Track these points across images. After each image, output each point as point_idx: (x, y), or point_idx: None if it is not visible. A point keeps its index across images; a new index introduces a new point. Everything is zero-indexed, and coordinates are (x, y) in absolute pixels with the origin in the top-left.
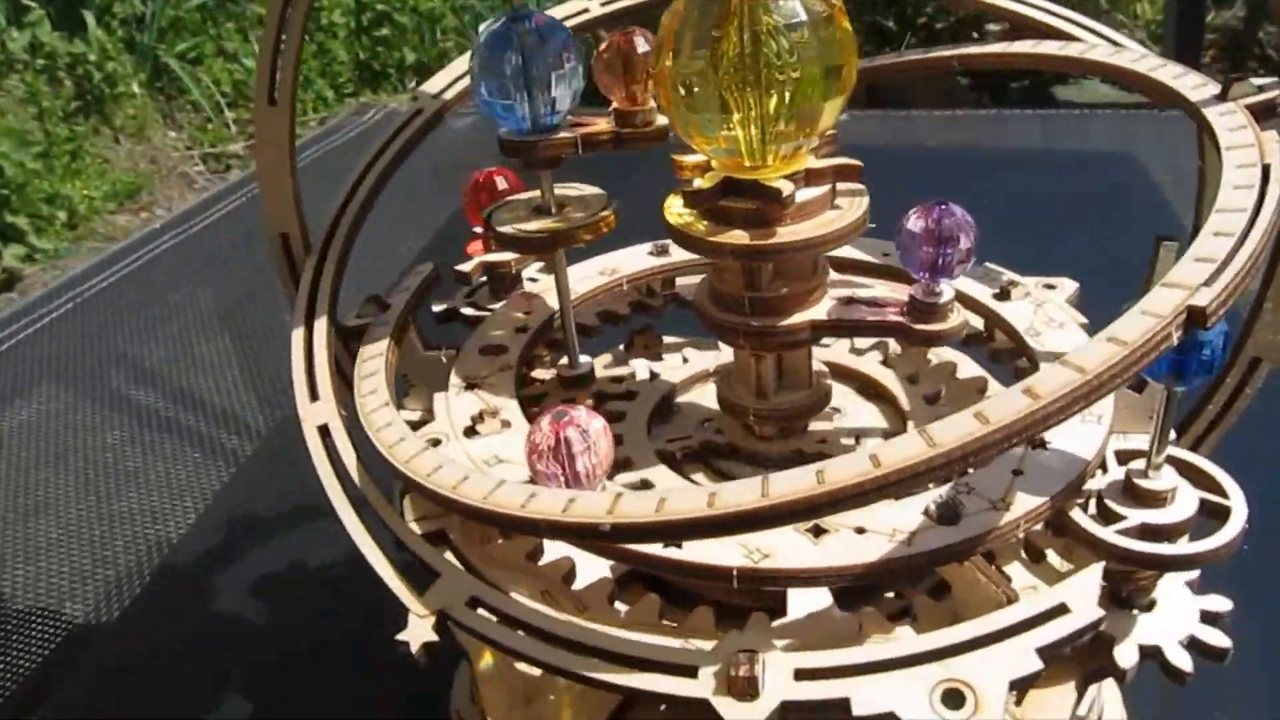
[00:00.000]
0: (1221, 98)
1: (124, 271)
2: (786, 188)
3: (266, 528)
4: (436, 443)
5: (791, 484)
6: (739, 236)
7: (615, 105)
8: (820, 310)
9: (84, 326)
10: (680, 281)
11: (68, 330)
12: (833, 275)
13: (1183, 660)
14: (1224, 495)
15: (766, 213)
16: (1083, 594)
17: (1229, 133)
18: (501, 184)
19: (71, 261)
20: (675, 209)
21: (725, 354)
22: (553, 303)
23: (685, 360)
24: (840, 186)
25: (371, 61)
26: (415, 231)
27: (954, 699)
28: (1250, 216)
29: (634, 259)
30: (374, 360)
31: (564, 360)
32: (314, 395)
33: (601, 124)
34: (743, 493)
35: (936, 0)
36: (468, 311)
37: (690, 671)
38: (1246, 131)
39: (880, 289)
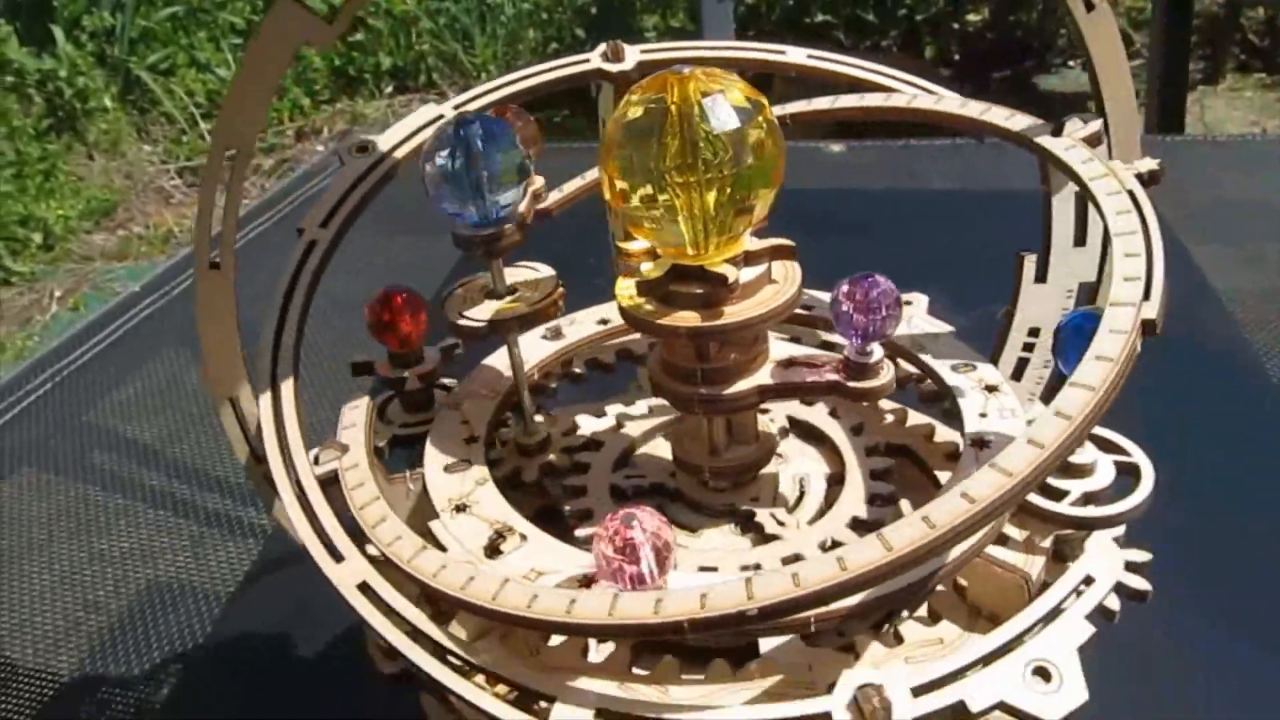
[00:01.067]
0: (1057, 133)
1: (105, 342)
2: (731, 273)
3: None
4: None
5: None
6: (690, 318)
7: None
8: (764, 375)
9: (64, 408)
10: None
11: (46, 412)
12: (771, 336)
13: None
14: (1131, 457)
15: (713, 295)
16: (1101, 564)
17: (1083, 165)
18: (396, 302)
19: (50, 284)
20: (626, 292)
21: None
22: (502, 373)
23: (650, 411)
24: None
25: (347, 67)
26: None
27: (1043, 675)
28: (1144, 234)
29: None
30: (373, 505)
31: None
32: (337, 557)
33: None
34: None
35: None
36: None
37: (825, 718)
38: (1096, 164)
39: (814, 350)
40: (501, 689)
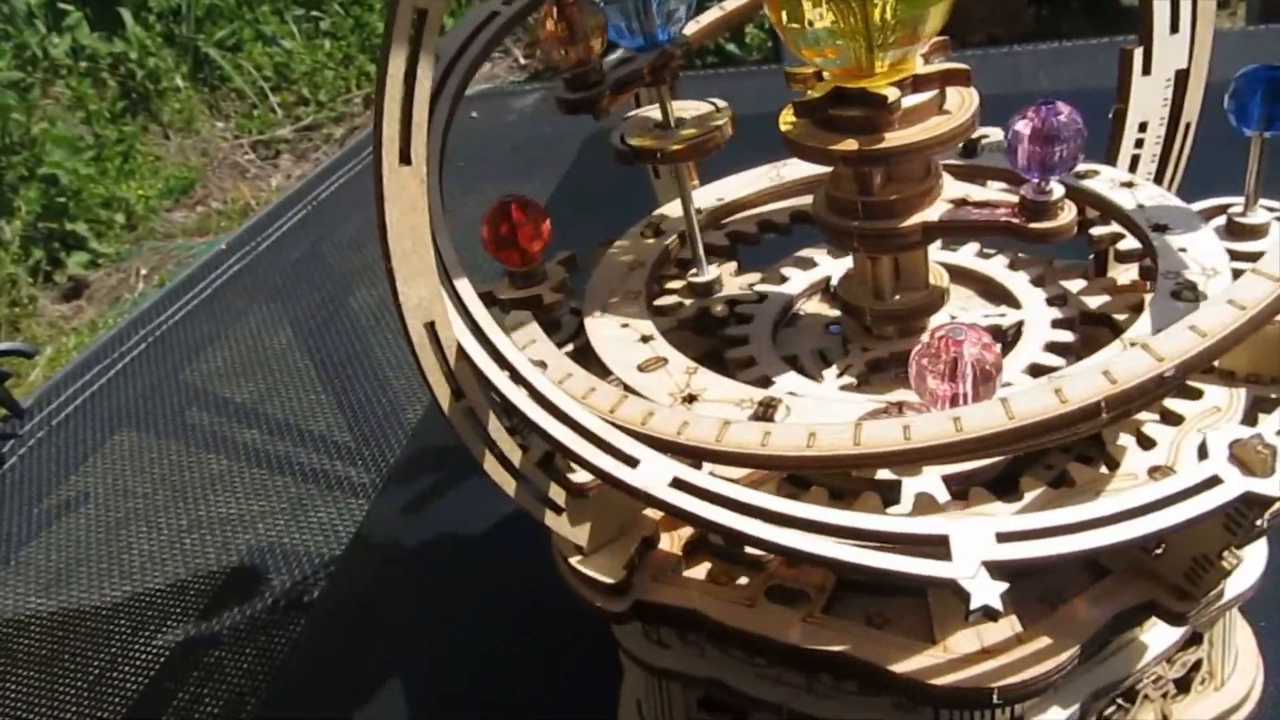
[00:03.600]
0: None
1: (193, 303)
2: (892, 94)
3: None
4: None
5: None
6: (849, 143)
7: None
8: (933, 212)
9: (160, 367)
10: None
11: (143, 371)
12: (949, 180)
13: None
14: None
15: (875, 119)
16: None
17: None
18: (516, 214)
19: (135, 263)
20: (788, 119)
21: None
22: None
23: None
24: (951, 91)
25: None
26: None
27: None
28: None
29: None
30: (625, 405)
31: (693, 271)
32: (631, 463)
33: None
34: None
35: None
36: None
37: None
38: None
39: (994, 192)
40: None
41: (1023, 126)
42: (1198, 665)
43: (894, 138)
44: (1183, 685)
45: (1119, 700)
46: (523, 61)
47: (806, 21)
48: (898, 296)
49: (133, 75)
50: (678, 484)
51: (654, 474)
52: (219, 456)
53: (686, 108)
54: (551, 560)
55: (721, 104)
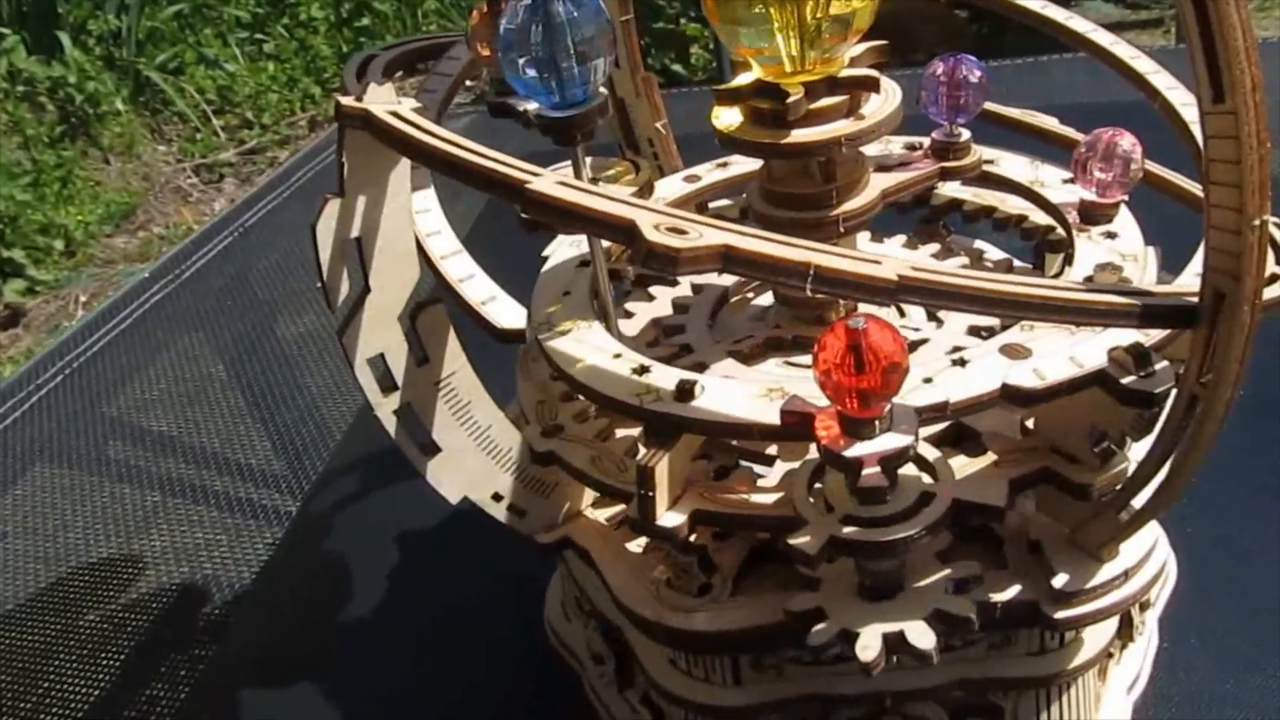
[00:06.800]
0: None
1: (117, 330)
2: (875, 74)
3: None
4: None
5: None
6: (843, 128)
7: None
8: (879, 182)
9: (79, 399)
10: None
11: (62, 403)
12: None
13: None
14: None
15: (855, 103)
16: None
17: None
18: None
19: (74, 290)
20: (729, 121)
21: None
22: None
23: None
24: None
25: (355, 53)
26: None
27: None
28: None
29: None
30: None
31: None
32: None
33: None
34: None
35: None
36: None
37: None
38: None
39: (892, 149)
40: None
41: (939, 71)
42: None
43: (872, 114)
44: None
45: None
46: (468, 83)
47: (743, 18)
48: None
49: (71, 99)
50: None
51: None
52: (141, 489)
53: (605, 166)
54: (472, 589)
55: (642, 162)
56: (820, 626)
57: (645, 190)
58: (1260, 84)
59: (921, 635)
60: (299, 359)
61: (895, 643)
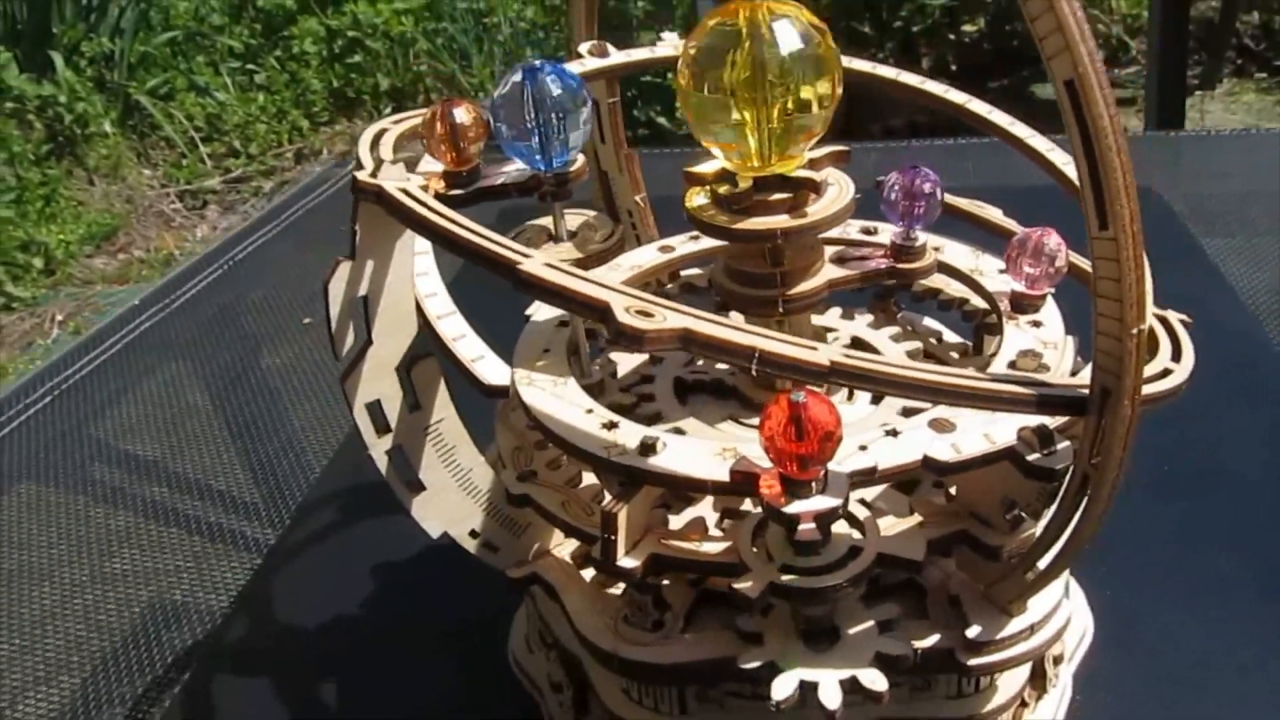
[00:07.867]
0: None
1: (105, 355)
2: (818, 177)
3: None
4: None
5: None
6: (784, 221)
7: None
8: (829, 271)
9: (63, 422)
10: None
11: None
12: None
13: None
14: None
15: (800, 200)
16: None
17: None
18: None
19: (51, 308)
20: (698, 204)
21: None
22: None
23: None
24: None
25: (345, 89)
26: None
27: None
28: None
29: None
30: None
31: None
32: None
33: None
34: None
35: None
36: None
37: None
38: None
39: (850, 233)
40: None
41: (896, 183)
42: None
43: (815, 212)
44: None
45: None
46: None
47: (719, 122)
48: None
49: (60, 119)
50: None
51: None
52: (121, 511)
53: (579, 220)
54: (441, 623)
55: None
56: (779, 679)
57: (615, 248)
58: (1138, 216)
59: (875, 679)
60: (282, 392)
61: (851, 688)
